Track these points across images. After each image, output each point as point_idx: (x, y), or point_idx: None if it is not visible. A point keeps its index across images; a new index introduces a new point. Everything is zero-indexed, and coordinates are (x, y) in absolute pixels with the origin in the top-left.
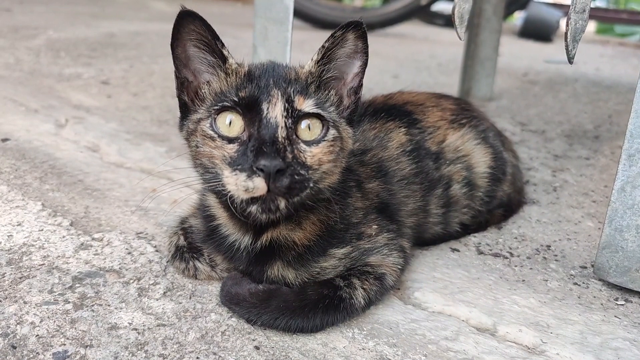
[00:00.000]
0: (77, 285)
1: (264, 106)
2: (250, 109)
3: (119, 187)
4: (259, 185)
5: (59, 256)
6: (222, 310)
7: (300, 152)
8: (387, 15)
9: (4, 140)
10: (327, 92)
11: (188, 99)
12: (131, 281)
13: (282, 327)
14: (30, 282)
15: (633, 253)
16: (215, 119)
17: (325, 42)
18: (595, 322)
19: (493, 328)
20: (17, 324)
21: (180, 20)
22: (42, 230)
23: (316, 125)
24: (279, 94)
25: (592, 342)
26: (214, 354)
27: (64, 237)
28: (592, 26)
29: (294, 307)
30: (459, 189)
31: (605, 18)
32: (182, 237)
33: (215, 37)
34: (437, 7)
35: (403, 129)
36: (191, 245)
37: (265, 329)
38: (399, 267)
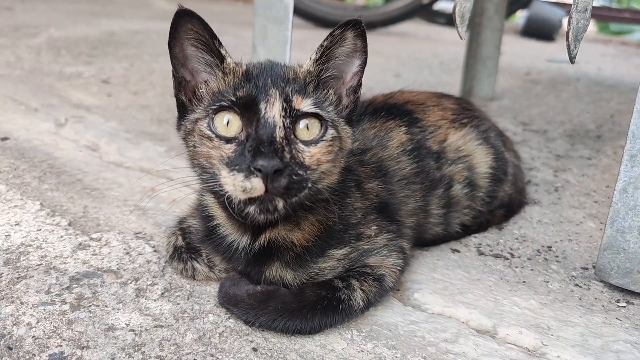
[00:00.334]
0: (75, 285)
1: (262, 106)
2: (248, 108)
3: (118, 186)
4: (256, 185)
5: (56, 256)
6: (220, 311)
7: (299, 152)
8: (389, 13)
9: (4, 139)
10: (325, 91)
11: (186, 98)
12: (129, 282)
13: (280, 328)
14: (28, 282)
15: (635, 254)
16: (212, 118)
17: (324, 40)
18: (596, 324)
19: (493, 330)
20: (14, 324)
21: (178, 19)
22: (40, 230)
23: (315, 125)
24: (277, 94)
25: (593, 344)
26: (212, 355)
27: (62, 237)
28: (594, 25)
29: (292, 308)
30: (460, 190)
31: (607, 17)
32: (180, 238)
33: (213, 36)
34: (438, 6)
35: (403, 128)
36: (189, 245)
37: (263, 331)
38: (399, 268)
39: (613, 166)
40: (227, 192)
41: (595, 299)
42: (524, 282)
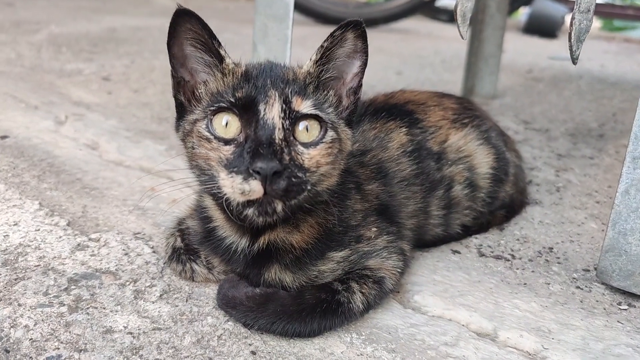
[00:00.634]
0: (73, 287)
1: (261, 107)
2: (247, 109)
3: (117, 185)
4: (255, 188)
5: (55, 257)
6: (218, 313)
7: (298, 154)
8: (390, 10)
9: (3, 137)
10: (325, 92)
11: (184, 99)
12: (127, 283)
13: (279, 331)
14: (26, 283)
15: (637, 257)
16: (211, 119)
17: (324, 41)
18: (597, 327)
19: (494, 333)
20: (11, 327)
21: (177, 19)
22: (38, 230)
23: (314, 127)
24: (277, 95)
25: (594, 348)
26: (210, 359)
27: (60, 237)
28: (597, 22)
29: (292, 311)
30: (460, 190)
31: (611, 14)
32: (179, 239)
33: (212, 36)
34: (440, 3)
35: (404, 129)
36: (188, 247)
37: (262, 334)
38: (399, 270)
39: (615, 166)
40: (225, 194)
41: (597, 301)
42: (525, 284)
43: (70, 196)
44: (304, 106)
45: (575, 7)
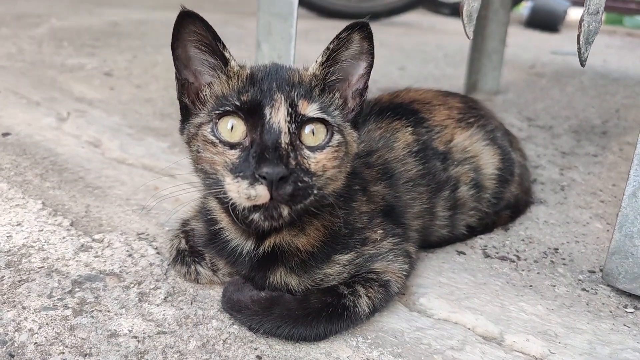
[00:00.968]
0: (77, 289)
1: (267, 111)
2: (252, 113)
3: (120, 184)
4: (261, 193)
5: (58, 258)
6: (223, 317)
7: (304, 158)
8: (393, 4)
9: (5, 134)
10: (331, 95)
11: (189, 101)
12: (132, 285)
13: (284, 335)
14: (30, 285)
15: None
16: (216, 123)
17: (330, 43)
18: (604, 331)
19: (500, 337)
20: (16, 330)
21: (181, 21)
22: (42, 230)
23: (320, 131)
24: (282, 98)
25: (601, 352)
26: None
27: (64, 238)
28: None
29: (297, 315)
30: (466, 191)
31: (613, 8)
32: (183, 241)
33: (217, 38)
34: None
35: (409, 129)
36: (193, 248)
37: (267, 338)
38: (405, 273)
39: (619, 163)
40: (231, 198)
41: (603, 304)
42: (531, 286)
43: (73, 195)
44: (310, 110)
45: (584, 9)
